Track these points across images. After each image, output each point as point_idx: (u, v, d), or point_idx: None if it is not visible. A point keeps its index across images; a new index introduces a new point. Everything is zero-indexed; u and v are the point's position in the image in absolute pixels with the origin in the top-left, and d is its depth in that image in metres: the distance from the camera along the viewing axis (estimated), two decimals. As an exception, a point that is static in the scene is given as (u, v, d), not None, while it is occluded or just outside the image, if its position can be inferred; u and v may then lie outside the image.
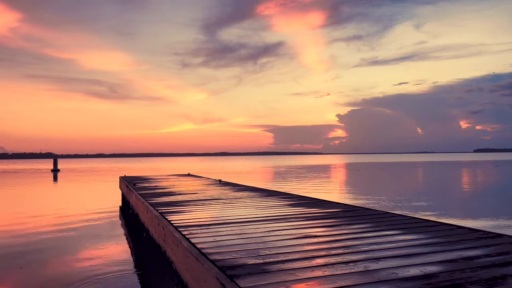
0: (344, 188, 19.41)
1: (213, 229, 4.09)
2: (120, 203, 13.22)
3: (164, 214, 5.13)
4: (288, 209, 5.49)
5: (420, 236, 3.59)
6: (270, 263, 2.75)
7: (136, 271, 5.79)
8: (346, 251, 3.08)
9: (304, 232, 3.86)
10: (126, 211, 11.06)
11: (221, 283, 2.34)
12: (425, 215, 9.69)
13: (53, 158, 51.57)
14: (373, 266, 2.64)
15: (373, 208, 5.53)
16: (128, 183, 10.48)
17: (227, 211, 5.41)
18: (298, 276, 2.44)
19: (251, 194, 7.70)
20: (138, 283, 5.33)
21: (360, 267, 2.62)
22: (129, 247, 7.32)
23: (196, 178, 13.19)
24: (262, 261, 2.80)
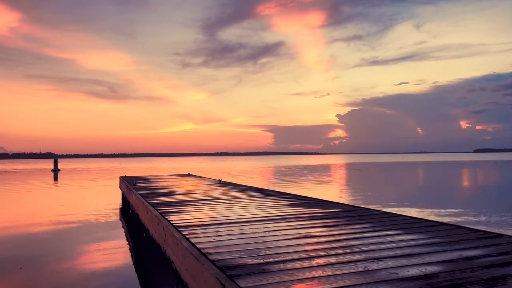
0: (344, 188, 19.40)
1: (213, 229, 4.09)
2: (120, 203, 13.22)
3: (164, 214, 5.13)
4: (288, 209, 5.49)
5: (420, 236, 3.59)
6: (270, 263, 2.75)
7: (136, 271, 5.79)
8: (346, 251, 3.08)
9: (304, 232, 3.86)
10: (126, 211, 11.06)
11: (221, 283, 2.34)
12: (425, 215, 9.69)
13: (53, 158, 51.56)
14: (373, 266, 2.64)
15: (373, 208, 5.53)
16: (128, 183, 10.48)
17: (227, 211, 5.41)
18: (298, 276, 2.44)
19: (251, 194, 7.70)
20: (138, 283, 5.33)
21: (360, 267, 2.62)
22: (129, 247, 7.32)
23: (196, 178, 13.19)
24: (262, 261, 2.80)
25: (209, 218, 4.81)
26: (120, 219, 10.53)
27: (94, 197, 16.97)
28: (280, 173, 34.16)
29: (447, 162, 63.18)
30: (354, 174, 32.57)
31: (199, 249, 3.18)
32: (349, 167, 48.69)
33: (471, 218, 9.67)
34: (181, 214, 5.15)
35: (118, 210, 12.05)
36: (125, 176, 14.50)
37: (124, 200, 11.78)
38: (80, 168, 57.03)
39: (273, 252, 3.07)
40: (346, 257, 2.89)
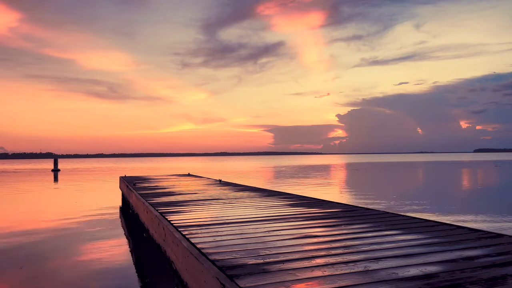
0: (344, 188, 19.40)
1: (213, 229, 4.09)
2: (120, 203, 13.22)
3: (164, 214, 5.13)
4: (288, 209, 5.49)
5: (420, 236, 3.59)
6: (270, 263, 2.75)
7: (136, 271, 5.79)
8: (346, 251, 3.08)
9: (304, 232, 3.86)
10: (126, 211, 11.06)
11: (221, 283, 2.34)
12: (425, 215, 9.69)
13: (53, 158, 51.55)
14: (373, 266, 2.64)
15: (373, 208, 5.53)
16: (128, 183, 10.48)
17: (227, 211, 5.41)
18: (298, 276, 2.44)
19: (251, 194, 7.70)
20: (138, 283, 5.33)
21: (360, 267, 2.62)
22: (129, 247, 7.32)
23: (196, 178, 13.19)
24: (262, 261, 2.80)
25: (209, 218, 4.81)
26: (120, 219, 10.53)
27: (94, 197, 16.97)
28: (280, 173, 34.16)
29: (447, 162, 63.16)
30: (354, 174, 32.57)
31: (199, 249, 3.18)
32: (349, 167, 48.68)
33: (471, 218, 9.67)
34: (181, 214, 5.15)
35: (118, 210, 12.05)
36: (125, 176, 14.50)
37: (124, 200, 11.78)
38: (80, 168, 57.02)
39: (273, 252, 3.07)
40: (346, 257, 2.89)
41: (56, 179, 30.47)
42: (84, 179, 29.67)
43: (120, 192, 13.55)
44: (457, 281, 2.29)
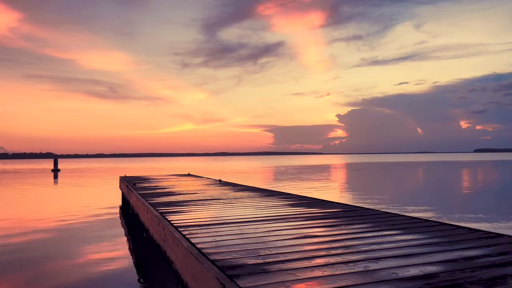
0: (344, 188, 19.40)
1: (213, 229, 4.09)
2: (120, 203, 13.22)
3: (164, 214, 5.13)
4: (288, 209, 5.49)
5: (420, 236, 3.59)
6: (270, 263, 2.75)
7: (136, 271, 5.79)
8: (346, 251, 3.08)
9: (304, 232, 3.86)
10: (126, 211, 11.06)
11: (221, 283, 2.34)
12: (425, 215, 9.69)
13: (53, 158, 51.55)
14: (373, 266, 2.64)
15: (373, 208, 5.53)
16: (128, 183, 10.48)
17: (227, 211, 5.41)
18: (298, 276, 2.44)
19: (251, 194, 7.70)
20: (138, 283, 5.32)
21: (360, 267, 2.63)
22: (129, 247, 7.32)
23: (196, 178, 13.19)
24: (262, 261, 2.80)
25: (209, 218, 4.81)
26: (120, 219, 10.53)
27: (94, 197, 16.97)
28: (280, 173, 34.15)
29: (447, 162, 63.14)
30: (354, 174, 32.56)
31: (199, 249, 3.18)
32: (349, 167, 48.67)
33: (471, 218, 9.67)
34: (181, 214, 5.15)
35: (118, 210, 12.05)
36: (125, 176, 14.50)
37: (124, 200, 11.78)
38: (80, 168, 57.01)
39: (273, 252, 3.07)
40: (346, 257, 2.89)
41: (56, 179, 30.47)
42: (84, 179, 29.66)
43: (120, 192, 13.55)
44: (457, 281, 2.29)
